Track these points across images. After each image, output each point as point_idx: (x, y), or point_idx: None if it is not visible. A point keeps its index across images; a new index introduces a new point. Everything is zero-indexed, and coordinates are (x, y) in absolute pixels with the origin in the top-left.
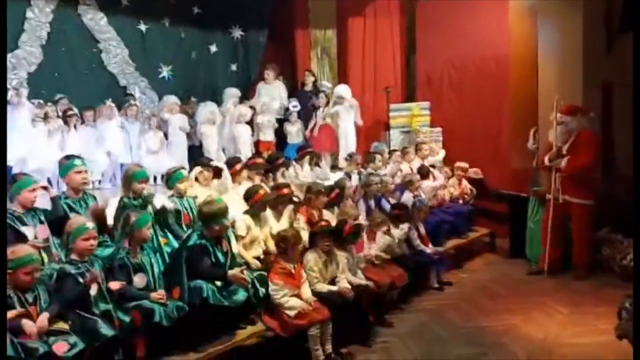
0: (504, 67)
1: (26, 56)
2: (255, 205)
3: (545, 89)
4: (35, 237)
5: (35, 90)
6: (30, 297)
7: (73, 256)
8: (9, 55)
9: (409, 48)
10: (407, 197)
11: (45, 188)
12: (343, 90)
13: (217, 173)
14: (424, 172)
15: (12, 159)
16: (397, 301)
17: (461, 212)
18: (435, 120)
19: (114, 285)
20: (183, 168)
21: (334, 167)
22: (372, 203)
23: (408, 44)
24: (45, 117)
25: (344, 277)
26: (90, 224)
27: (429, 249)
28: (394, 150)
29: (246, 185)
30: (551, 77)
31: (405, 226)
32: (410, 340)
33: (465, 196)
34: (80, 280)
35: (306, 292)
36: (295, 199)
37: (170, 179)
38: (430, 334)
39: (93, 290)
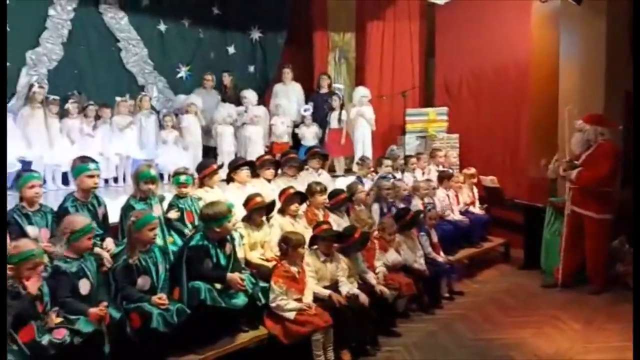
0: (524, 73)
1: (47, 53)
2: (251, 211)
3: (566, 97)
4: (36, 239)
5: (54, 87)
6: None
7: (69, 253)
8: (29, 52)
9: (428, 52)
10: (416, 204)
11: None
12: (363, 91)
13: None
14: (444, 177)
15: (30, 155)
16: (407, 310)
17: (475, 220)
18: (453, 126)
19: None
20: (186, 169)
21: (348, 170)
22: (385, 208)
23: (427, 49)
24: (66, 114)
25: (345, 280)
26: (93, 223)
27: (441, 257)
28: (410, 156)
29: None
30: (572, 85)
31: (420, 253)
32: (416, 351)
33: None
34: (72, 277)
35: (308, 298)
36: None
37: (175, 178)
38: (437, 345)
39: (84, 288)
